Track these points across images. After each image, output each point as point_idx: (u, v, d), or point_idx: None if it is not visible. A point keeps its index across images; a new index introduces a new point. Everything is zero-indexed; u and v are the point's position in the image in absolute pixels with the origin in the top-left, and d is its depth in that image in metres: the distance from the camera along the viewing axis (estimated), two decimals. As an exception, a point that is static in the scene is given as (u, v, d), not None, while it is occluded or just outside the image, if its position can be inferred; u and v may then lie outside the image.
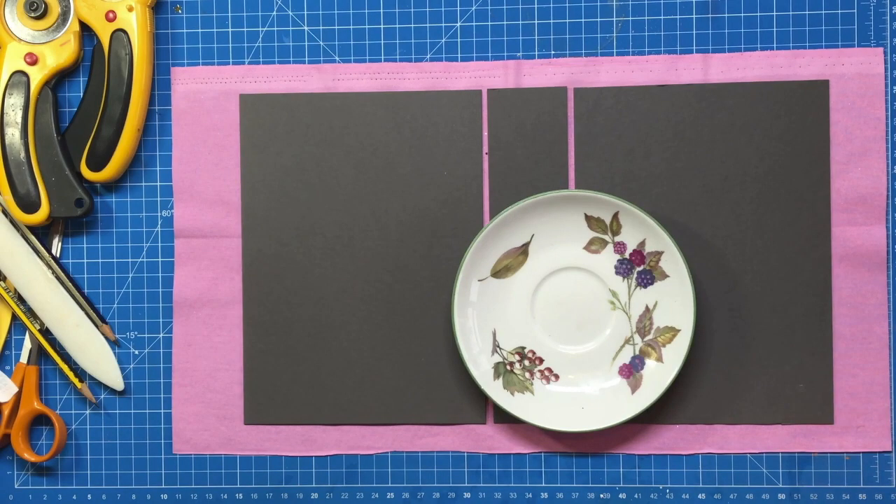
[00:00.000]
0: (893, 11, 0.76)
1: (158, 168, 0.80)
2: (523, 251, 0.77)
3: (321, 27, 0.79)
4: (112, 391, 0.80)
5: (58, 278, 0.79)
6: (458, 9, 0.78)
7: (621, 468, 0.78)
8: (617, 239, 0.76)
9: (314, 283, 0.79)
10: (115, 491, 0.81)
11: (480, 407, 0.78)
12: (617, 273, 0.77)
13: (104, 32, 0.77)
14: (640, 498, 0.78)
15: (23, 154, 0.77)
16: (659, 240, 0.74)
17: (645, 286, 0.76)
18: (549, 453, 0.79)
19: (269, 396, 0.79)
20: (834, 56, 0.76)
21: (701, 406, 0.77)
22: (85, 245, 0.80)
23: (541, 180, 0.77)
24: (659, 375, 0.75)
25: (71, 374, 0.79)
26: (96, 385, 0.81)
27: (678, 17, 0.77)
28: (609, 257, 0.77)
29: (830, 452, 0.77)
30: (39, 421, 0.81)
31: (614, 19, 0.78)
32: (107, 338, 0.80)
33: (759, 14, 0.77)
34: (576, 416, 0.76)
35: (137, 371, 0.80)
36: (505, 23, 0.78)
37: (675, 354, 0.75)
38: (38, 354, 0.81)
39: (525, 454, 0.79)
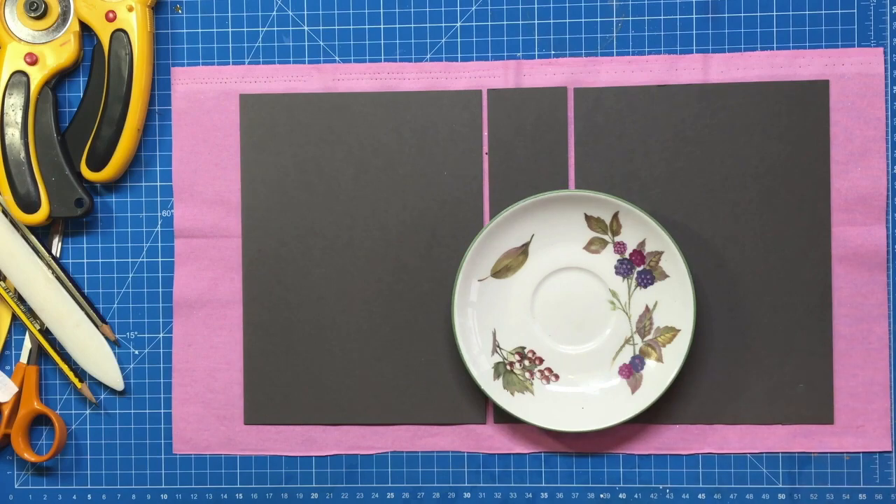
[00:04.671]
0: (893, 11, 0.76)
1: (158, 168, 0.80)
2: (523, 251, 0.77)
3: (321, 27, 0.79)
4: (112, 391, 0.80)
5: (58, 278, 0.79)
6: (458, 9, 0.78)
7: (621, 468, 0.78)
8: (617, 239, 0.76)
9: (314, 283, 0.79)
10: (115, 491, 0.81)
11: (480, 407, 0.78)
12: (617, 273, 0.77)
13: (104, 32, 0.77)
14: (640, 498, 0.78)
15: (23, 154, 0.77)
16: (659, 240, 0.74)
17: (645, 286, 0.76)
18: (549, 453, 0.79)
19: (269, 396, 0.79)
20: (834, 56, 0.76)
21: (701, 406, 0.77)
22: (85, 245, 0.80)
23: (541, 180, 0.77)
24: (659, 375, 0.75)
25: (71, 374, 0.79)
26: (96, 385, 0.81)
27: (678, 17, 0.77)
28: (609, 257, 0.77)
29: (830, 452, 0.77)
30: (39, 421, 0.81)
31: (614, 19, 0.78)
32: (107, 338, 0.80)
33: (759, 14, 0.77)
34: (576, 416, 0.76)
35: (137, 371, 0.80)
36: (505, 23, 0.78)
37: (675, 354, 0.75)
38: (38, 354, 0.81)
39: (525, 454, 0.79)
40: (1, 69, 0.77)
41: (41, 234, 0.80)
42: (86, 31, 0.79)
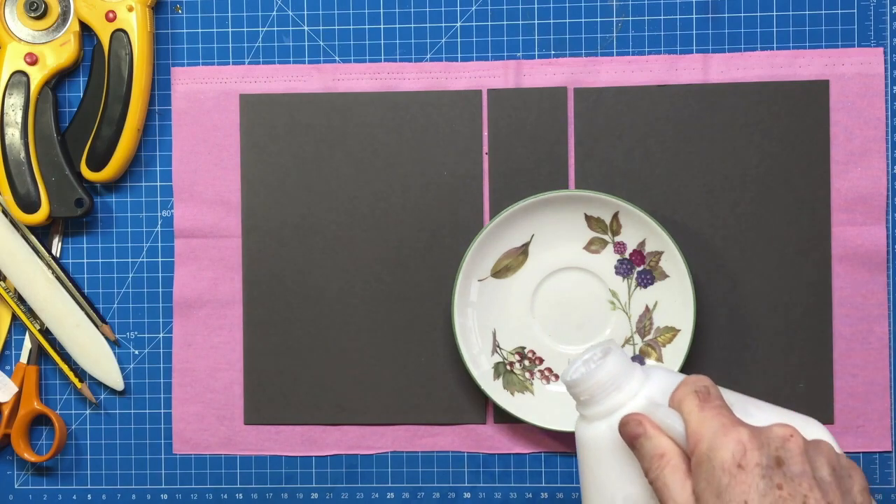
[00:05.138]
0: (893, 11, 0.76)
1: (158, 168, 0.80)
2: (523, 251, 0.77)
3: (321, 27, 0.79)
4: (112, 391, 0.80)
5: (58, 278, 0.79)
6: (458, 9, 0.78)
7: (621, 468, 0.78)
8: (617, 239, 0.76)
9: (314, 283, 0.79)
10: (115, 491, 0.81)
11: (480, 407, 0.78)
12: (617, 273, 0.77)
13: (104, 32, 0.77)
14: (640, 498, 0.78)
15: (23, 154, 0.77)
16: (659, 240, 0.74)
17: (645, 286, 0.76)
18: (549, 453, 0.79)
19: (269, 396, 0.79)
20: (834, 56, 0.76)
21: (701, 406, 0.77)
22: (85, 245, 0.80)
23: (541, 180, 0.77)
24: (659, 375, 0.75)
25: (71, 374, 0.79)
26: (96, 385, 0.81)
27: (678, 17, 0.77)
28: (609, 257, 0.77)
29: (830, 452, 0.77)
30: (39, 421, 0.81)
31: (614, 19, 0.78)
32: (107, 338, 0.80)
33: (759, 14, 0.77)
34: (575, 416, 0.76)
35: (137, 371, 0.80)
36: (505, 23, 0.78)
37: (674, 354, 0.75)
38: (38, 354, 0.81)
39: (525, 454, 0.79)
40: (1, 69, 0.77)
41: (41, 234, 0.80)
42: (86, 31, 0.79)
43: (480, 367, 0.76)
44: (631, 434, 0.54)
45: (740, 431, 0.50)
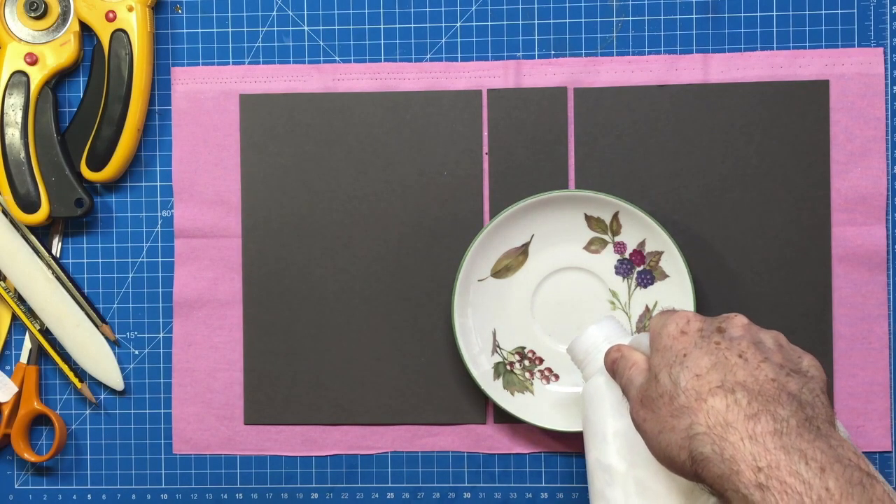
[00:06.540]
0: (893, 11, 0.76)
1: (158, 168, 0.80)
2: (523, 251, 0.77)
3: (321, 27, 0.79)
4: (112, 391, 0.80)
5: (58, 278, 0.79)
6: (458, 9, 0.78)
7: (621, 468, 0.78)
8: (617, 239, 0.76)
9: (314, 283, 0.79)
10: (115, 491, 0.81)
11: (480, 407, 0.78)
12: (617, 273, 0.77)
13: (104, 32, 0.77)
14: (640, 498, 0.78)
15: (23, 154, 0.77)
16: (659, 240, 0.74)
17: (645, 286, 0.76)
18: (549, 453, 0.79)
19: (269, 396, 0.79)
20: (834, 56, 0.76)
21: (701, 406, 0.77)
22: (85, 245, 0.80)
23: (541, 180, 0.77)
24: (659, 375, 0.75)
25: (71, 374, 0.79)
26: (96, 385, 0.81)
27: (678, 17, 0.77)
28: (609, 257, 0.77)
29: (830, 452, 0.77)
30: (39, 421, 0.81)
31: (614, 19, 0.78)
32: (107, 338, 0.80)
33: (759, 14, 0.77)
34: (576, 416, 0.76)
35: (137, 371, 0.80)
36: (505, 23, 0.78)
37: (675, 354, 0.75)
38: (38, 354, 0.81)
39: (525, 454, 0.79)
40: (1, 69, 0.77)
41: (41, 234, 0.80)
42: (86, 31, 0.79)
43: (480, 367, 0.76)
44: (611, 359, 0.62)
45: (688, 312, 0.58)
